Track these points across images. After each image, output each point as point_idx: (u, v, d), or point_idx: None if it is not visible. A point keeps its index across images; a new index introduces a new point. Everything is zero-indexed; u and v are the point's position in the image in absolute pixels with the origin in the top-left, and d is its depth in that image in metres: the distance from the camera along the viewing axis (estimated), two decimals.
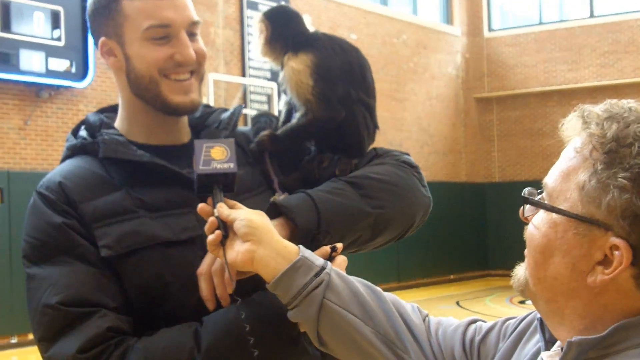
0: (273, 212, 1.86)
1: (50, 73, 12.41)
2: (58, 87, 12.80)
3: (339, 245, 1.85)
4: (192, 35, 1.99)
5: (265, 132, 2.14)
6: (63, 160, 2.02)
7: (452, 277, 20.99)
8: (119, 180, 1.92)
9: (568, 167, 1.40)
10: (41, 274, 1.82)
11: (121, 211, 1.86)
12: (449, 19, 22.59)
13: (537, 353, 1.53)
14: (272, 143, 2.13)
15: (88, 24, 2.04)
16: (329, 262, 1.72)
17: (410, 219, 2.11)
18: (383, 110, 19.35)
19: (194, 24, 1.99)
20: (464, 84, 22.57)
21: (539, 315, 1.51)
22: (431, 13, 22.30)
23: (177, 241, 1.87)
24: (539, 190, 1.48)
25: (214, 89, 15.01)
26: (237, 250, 1.68)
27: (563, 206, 1.39)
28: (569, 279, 1.38)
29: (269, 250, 1.68)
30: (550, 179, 1.44)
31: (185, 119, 2.09)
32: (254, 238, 1.68)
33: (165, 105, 1.97)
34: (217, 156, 1.77)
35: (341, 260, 1.84)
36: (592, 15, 21.92)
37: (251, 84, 15.74)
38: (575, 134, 1.42)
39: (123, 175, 1.92)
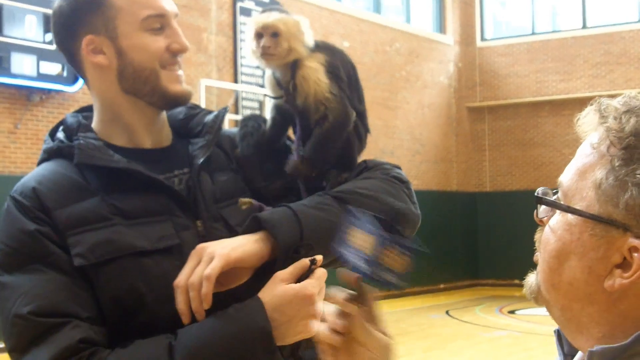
0: (254, 225, 1.82)
1: (41, 77, 12.34)
2: (49, 90, 12.74)
3: (319, 258, 1.79)
4: None
5: (295, 160, 2.07)
6: (40, 163, 1.97)
7: (442, 286, 20.96)
8: (95, 185, 1.87)
9: (584, 165, 1.32)
10: (13, 282, 1.77)
11: (96, 218, 1.81)
12: (441, 28, 22.61)
13: None
14: (309, 167, 2.06)
15: (59, 27, 1.96)
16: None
17: None
18: (375, 118, 19.34)
19: (176, 15, 1.98)
20: (456, 93, 22.58)
21: (556, 327, 1.42)
22: (424, 22, 22.32)
23: (153, 250, 1.81)
24: (554, 190, 1.39)
25: (205, 95, 14.99)
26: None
27: (579, 206, 1.30)
28: (585, 283, 1.29)
29: None
30: (566, 178, 1.36)
31: (166, 120, 2.05)
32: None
33: (164, 97, 1.94)
34: (364, 245, 1.55)
35: (321, 273, 1.78)
36: (584, 26, 21.95)
37: (243, 90, 15.72)
38: (591, 129, 1.35)
39: (99, 181, 1.87)
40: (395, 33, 20.53)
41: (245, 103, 15.87)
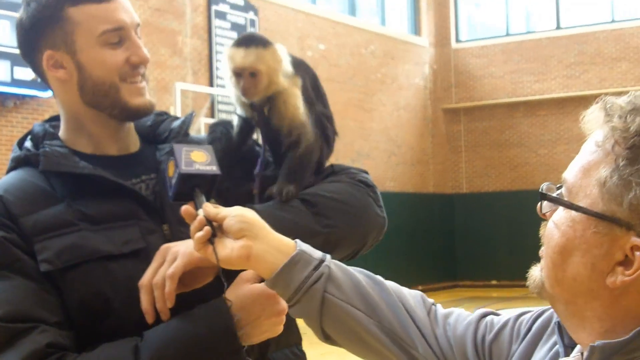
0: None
1: (15, 82, 12.28)
2: (24, 96, 12.68)
3: None
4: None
5: (290, 189, 2.03)
6: (8, 171, 1.98)
7: (420, 287, 20.91)
8: (61, 192, 1.88)
9: (589, 162, 1.33)
10: None
11: (61, 224, 1.82)
12: (416, 29, 22.67)
13: (554, 358, 1.47)
14: (299, 191, 2.05)
15: (22, 40, 1.96)
16: (327, 255, 1.67)
17: (362, 239, 2.08)
18: (350, 120, 19.36)
19: (138, 25, 1.96)
20: (432, 94, 22.65)
21: (556, 319, 1.45)
22: (399, 24, 22.39)
23: (119, 255, 1.82)
24: (557, 185, 1.41)
25: (181, 99, 14.96)
26: (231, 247, 1.62)
27: (583, 203, 1.32)
28: (588, 279, 1.32)
29: (266, 245, 1.62)
30: (570, 174, 1.37)
31: (133, 128, 2.05)
32: (249, 234, 1.62)
33: (125, 110, 1.93)
34: (198, 159, 1.72)
35: None
36: (558, 27, 22.10)
37: (219, 93, 15.69)
38: (597, 126, 1.35)
39: (65, 188, 1.88)
40: (370, 35, 20.58)
41: (221, 107, 15.84)
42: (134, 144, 2.05)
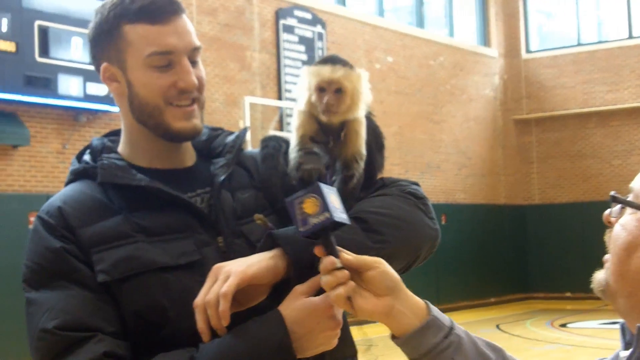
0: (270, 243, 1.82)
1: (88, 97, 12.52)
2: (96, 111, 12.91)
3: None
4: (193, 62, 1.96)
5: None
6: (67, 184, 2.01)
7: (492, 299, 20.82)
8: (118, 204, 1.91)
9: None
10: (39, 298, 1.81)
11: (119, 236, 1.85)
12: (486, 40, 22.53)
13: None
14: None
15: (89, 50, 2.01)
16: (454, 322, 1.73)
17: (414, 252, 2.04)
18: (420, 132, 19.31)
19: (195, 49, 1.96)
20: (502, 105, 22.48)
21: (621, 321, 1.55)
22: (468, 35, 22.26)
23: (175, 266, 1.84)
24: (625, 197, 1.55)
25: (250, 113, 15.06)
26: (373, 303, 1.66)
27: None
28: None
29: (403, 306, 1.67)
30: (637, 184, 1.53)
31: (188, 143, 2.07)
32: (393, 294, 1.67)
33: (168, 132, 1.95)
34: (311, 210, 1.68)
35: None
36: (630, 36, 21.76)
37: (287, 106, 15.77)
38: None
39: (122, 200, 1.91)
40: (439, 47, 20.51)
41: (289, 120, 15.92)
42: (190, 158, 2.07)
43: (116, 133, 2.11)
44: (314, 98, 2.04)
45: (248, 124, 14.67)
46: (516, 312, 19.54)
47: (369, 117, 2.13)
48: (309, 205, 1.68)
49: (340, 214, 1.67)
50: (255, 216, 1.93)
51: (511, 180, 22.57)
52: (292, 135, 2.09)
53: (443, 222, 19.48)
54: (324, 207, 1.66)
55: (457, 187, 20.48)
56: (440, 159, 20.04)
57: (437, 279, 18.54)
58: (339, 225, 1.67)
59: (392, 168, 18.45)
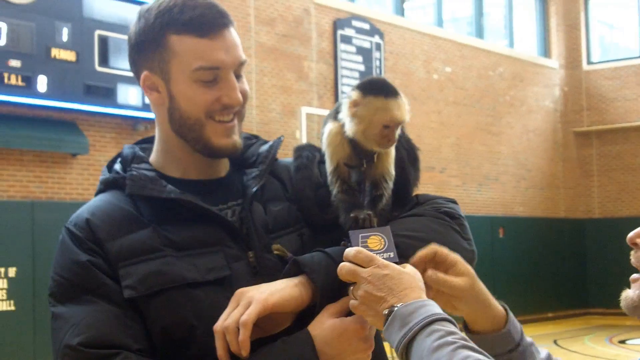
0: (294, 270, 1.77)
1: (146, 107, 12.57)
2: (154, 120, 12.97)
3: None
4: (238, 76, 1.90)
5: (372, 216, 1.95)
6: (97, 193, 1.97)
7: (550, 315, 20.57)
8: (147, 216, 1.86)
9: None
10: (65, 313, 1.77)
11: (147, 250, 1.80)
12: (546, 51, 22.30)
13: None
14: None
15: (129, 54, 1.96)
16: (525, 337, 1.85)
17: None
18: (478, 144, 19.15)
19: (242, 64, 1.91)
20: (562, 117, 22.21)
21: None
22: (528, 46, 22.06)
23: (203, 282, 1.79)
24: None
25: (306, 123, 15.06)
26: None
27: None
28: None
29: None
30: None
31: None
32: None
33: (208, 148, 1.90)
34: (375, 246, 1.71)
35: None
36: None
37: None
38: None
39: (152, 212, 1.86)
40: (498, 57, 20.34)
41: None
42: (224, 168, 2.02)
43: (148, 140, 2.07)
44: (373, 130, 1.93)
45: (304, 134, 14.68)
46: (574, 327, 19.28)
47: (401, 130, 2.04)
48: (374, 242, 1.73)
49: (396, 253, 1.74)
50: (273, 247, 1.88)
51: (571, 194, 22.28)
52: (326, 158, 2.02)
53: (501, 235, 19.30)
54: (389, 247, 1.74)
55: (516, 200, 20.27)
56: (498, 171, 19.86)
57: (493, 292, 18.18)
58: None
59: (450, 180, 18.34)
